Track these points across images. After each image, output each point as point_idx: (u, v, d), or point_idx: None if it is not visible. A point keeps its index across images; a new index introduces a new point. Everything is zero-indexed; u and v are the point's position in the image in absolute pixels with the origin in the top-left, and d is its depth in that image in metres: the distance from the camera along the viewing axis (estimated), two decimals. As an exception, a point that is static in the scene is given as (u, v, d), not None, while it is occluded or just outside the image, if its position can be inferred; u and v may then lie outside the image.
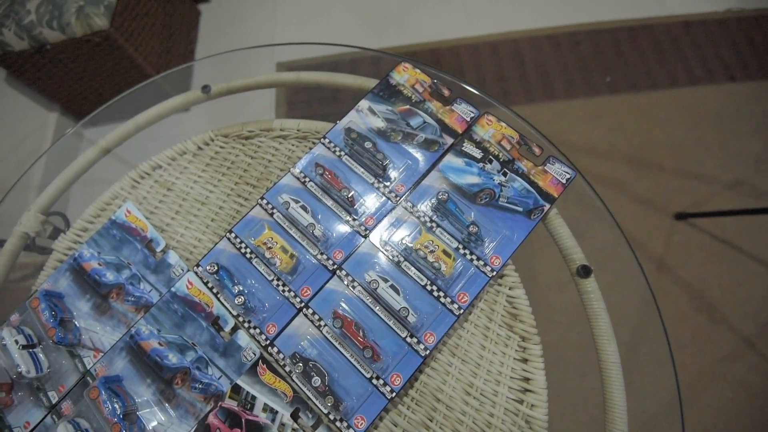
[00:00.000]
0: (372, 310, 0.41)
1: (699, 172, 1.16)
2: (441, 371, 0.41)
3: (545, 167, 0.46)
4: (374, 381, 0.39)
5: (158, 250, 0.47)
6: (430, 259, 0.40)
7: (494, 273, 0.42)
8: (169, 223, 0.50)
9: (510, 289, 0.43)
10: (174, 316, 0.44)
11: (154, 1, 1.31)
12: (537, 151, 0.46)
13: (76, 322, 0.45)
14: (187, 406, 0.40)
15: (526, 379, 0.40)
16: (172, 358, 0.42)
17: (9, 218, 0.54)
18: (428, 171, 0.46)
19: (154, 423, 0.40)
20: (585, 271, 0.42)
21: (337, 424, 0.38)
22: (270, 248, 0.42)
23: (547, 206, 0.44)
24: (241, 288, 0.42)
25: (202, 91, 0.56)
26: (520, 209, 0.44)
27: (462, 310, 0.40)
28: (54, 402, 0.43)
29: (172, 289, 0.45)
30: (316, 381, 0.37)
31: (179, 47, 1.44)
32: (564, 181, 0.45)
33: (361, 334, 0.39)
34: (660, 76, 1.25)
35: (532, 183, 0.45)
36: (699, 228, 1.12)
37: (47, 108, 1.38)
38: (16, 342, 0.44)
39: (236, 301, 0.41)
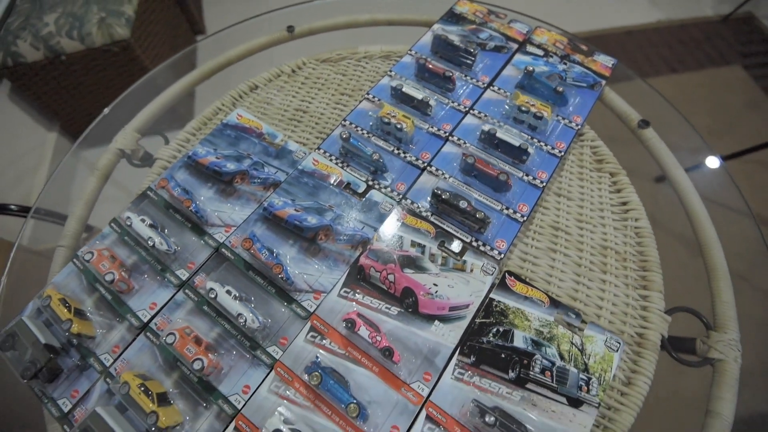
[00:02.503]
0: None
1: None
2: (552, 209, 0.47)
3: (593, 57, 0.57)
4: (505, 211, 0.44)
5: (276, 141, 0.51)
6: (533, 110, 0.48)
7: (579, 127, 0.50)
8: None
9: (591, 141, 0.51)
10: (305, 188, 0.47)
11: (163, 23, 1.40)
12: (584, 47, 0.58)
13: (202, 204, 0.46)
14: (336, 256, 0.43)
15: (624, 203, 0.47)
16: (312, 220, 0.44)
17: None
18: (503, 67, 0.56)
19: (306, 273, 0.42)
20: (645, 123, 0.52)
21: (482, 248, 0.42)
22: (394, 116, 0.48)
23: (604, 82, 0.54)
24: (373, 150, 0.47)
25: (287, 31, 0.63)
26: (584, 85, 0.54)
27: (563, 153, 0.48)
28: (184, 279, 0.43)
29: (299, 167, 0.48)
30: (463, 203, 0.42)
31: (184, 68, 1.52)
32: (610, 66, 0.56)
33: (490, 166, 0.45)
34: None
35: (587, 68, 0.55)
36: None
37: (47, 128, 1.36)
38: (143, 220, 0.44)
39: (373, 158, 0.46)
